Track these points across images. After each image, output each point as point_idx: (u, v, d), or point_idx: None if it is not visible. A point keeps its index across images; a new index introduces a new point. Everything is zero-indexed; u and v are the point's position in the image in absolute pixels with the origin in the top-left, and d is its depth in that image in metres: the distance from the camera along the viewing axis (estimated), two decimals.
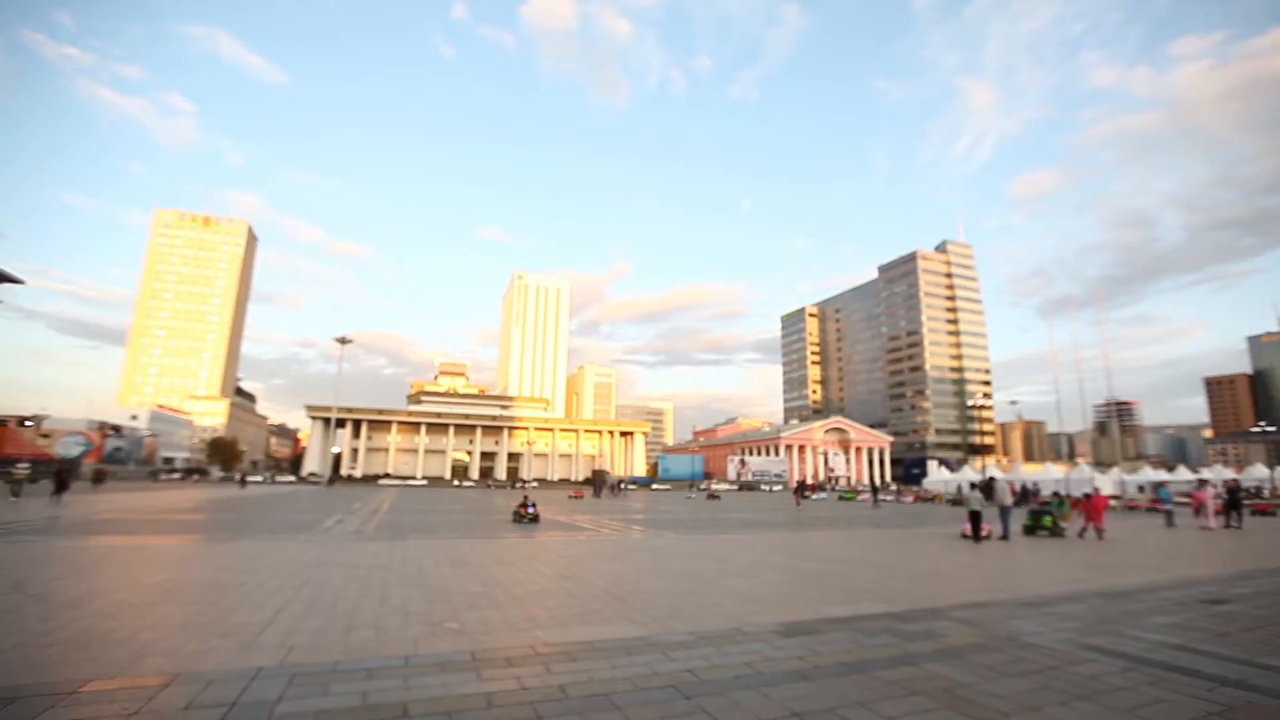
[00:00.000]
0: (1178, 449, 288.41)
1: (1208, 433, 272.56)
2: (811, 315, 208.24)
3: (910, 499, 59.07)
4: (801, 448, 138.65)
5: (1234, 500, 22.37)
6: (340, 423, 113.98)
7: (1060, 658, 5.66)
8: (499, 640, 6.07)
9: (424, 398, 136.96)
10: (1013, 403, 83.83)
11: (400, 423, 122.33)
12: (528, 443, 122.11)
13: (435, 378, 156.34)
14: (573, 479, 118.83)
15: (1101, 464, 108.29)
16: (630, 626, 6.70)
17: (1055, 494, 21.44)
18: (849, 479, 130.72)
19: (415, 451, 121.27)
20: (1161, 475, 78.35)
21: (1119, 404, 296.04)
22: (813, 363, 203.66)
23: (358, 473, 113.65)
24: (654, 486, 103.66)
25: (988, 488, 23.67)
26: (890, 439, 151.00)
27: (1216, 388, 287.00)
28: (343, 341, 72.84)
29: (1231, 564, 12.85)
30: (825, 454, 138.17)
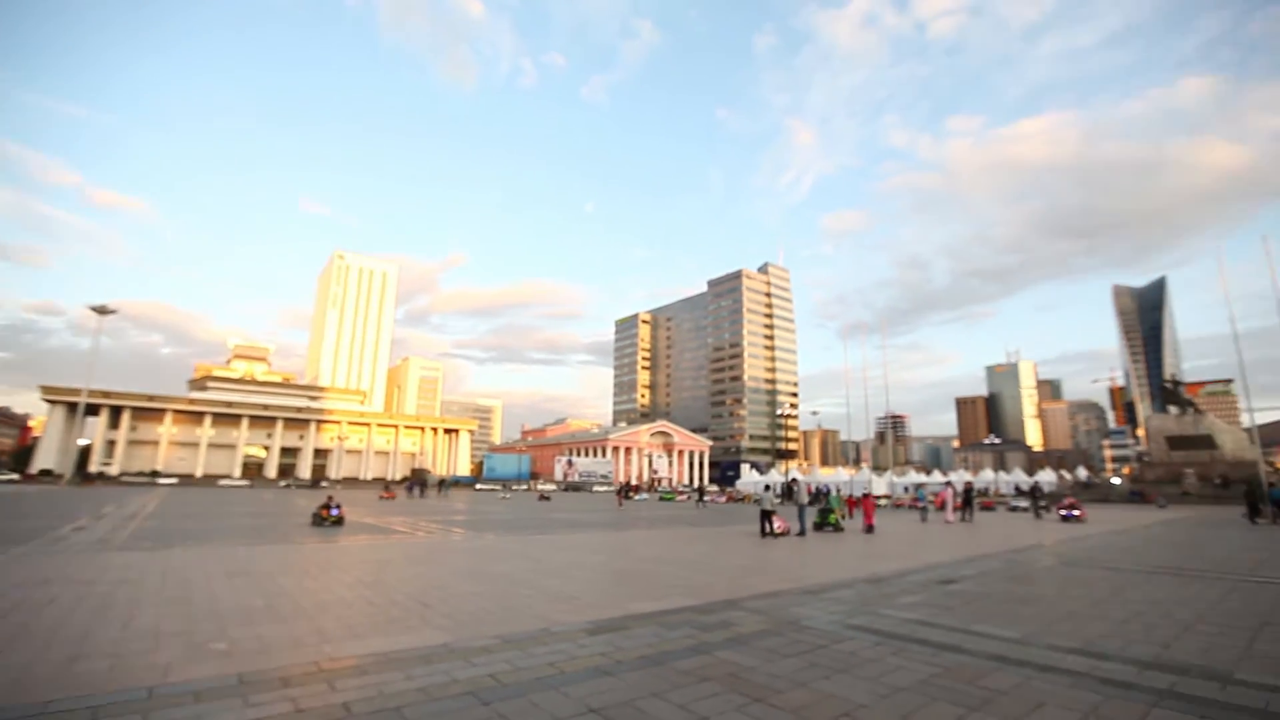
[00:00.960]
0: (934, 456, 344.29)
1: (956, 443, 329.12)
2: (644, 322, 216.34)
3: (723, 499, 63.65)
4: (628, 449, 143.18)
5: (968, 498, 27.32)
6: (93, 409, 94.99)
7: (829, 637, 6.42)
8: (277, 659, 5.41)
9: (211, 384, 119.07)
10: (814, 413, 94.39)
11: (178, 411, 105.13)
12: (338, 438, 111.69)
13: (228, 361, 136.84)
14: (391, 478, 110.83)
15: (879, 468, 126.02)
16: (433, 634, 6.37)
17: (827, 493, 24.48)
18: (670, 480, 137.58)
19: (196, 445, 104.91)
20: (921, 478, 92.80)
21: (894, 417, 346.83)
22: (643, 368, 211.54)
23: (114, 469, 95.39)
24: (478, 486, 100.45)
25: (789, 490, 26.32)
26: (710, 443, 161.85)
27: (963, 406, 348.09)
28: (102, 311, 60.95)
29: (962, 550, 15.59)
30: (650, 456, 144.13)
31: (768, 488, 19.25)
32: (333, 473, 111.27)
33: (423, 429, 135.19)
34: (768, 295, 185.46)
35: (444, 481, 65.47)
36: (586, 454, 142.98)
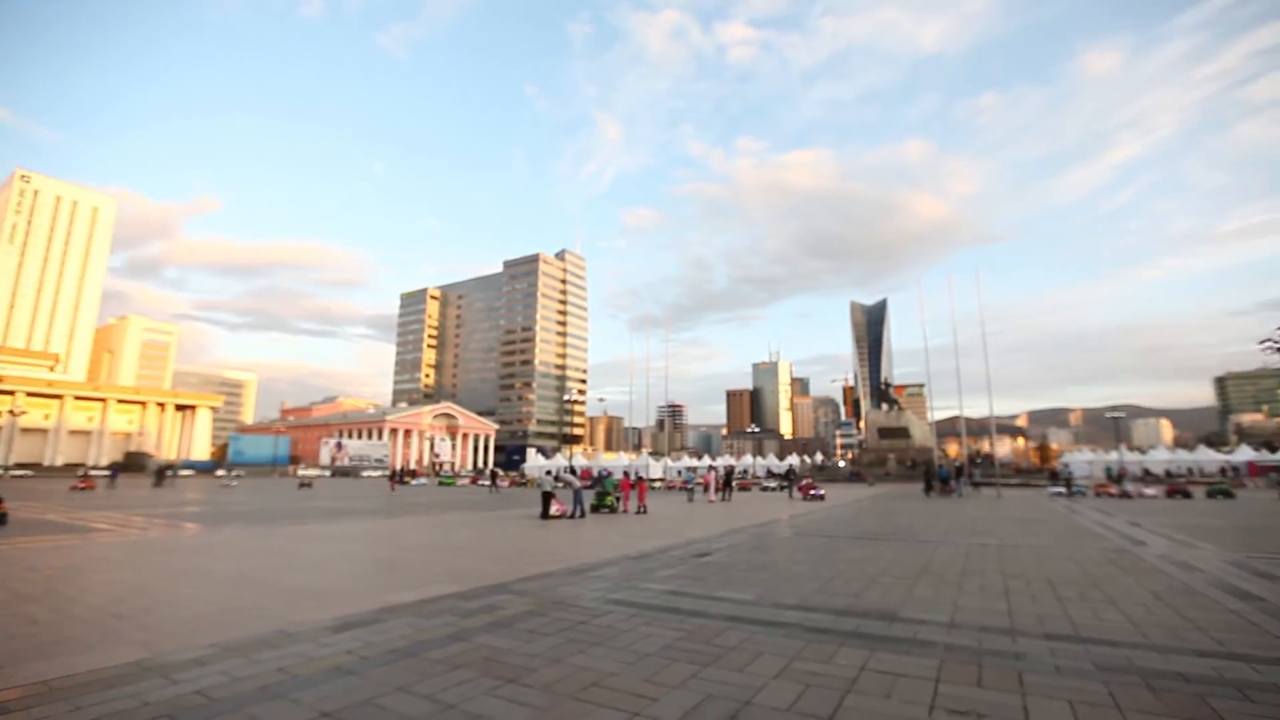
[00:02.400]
0: (707, 442, 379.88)
1: (725, 431, 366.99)
2: (433, 298, 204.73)
3: (506, 483, 63.05)
4: (408, 432, 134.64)
5: (728, 480, 30.64)
6: None
7: (589, 613, 6.65)
8: None
9: None
10: (601, 400, 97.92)
11: None
12: (12, 412, 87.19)
13: None
14: (94, 465, 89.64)
15: (657, 453, 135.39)
16: (124, 650, 5.24)
17: (606, 476, 25.55)
18: (453, 465, 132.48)
19: None
20: (693, 463, 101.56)
21: (673, 406, 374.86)
22: (429, 346, 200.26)
23: None
24: (219, 473, 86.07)
25: (571, 472, 26.91)
26: (496, 427, 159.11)
27: (732, 398, 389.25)
28: None
29: (719, 526, 17.40)
30: (433, 439, 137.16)
31: (548, 472, 19.46)
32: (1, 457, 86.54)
33: (144, 404, 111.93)
34: (563, 282, 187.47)
35: (166, 468, 54.13)
36: (360, 436, 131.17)
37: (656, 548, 12.39)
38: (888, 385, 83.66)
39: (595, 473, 46.39)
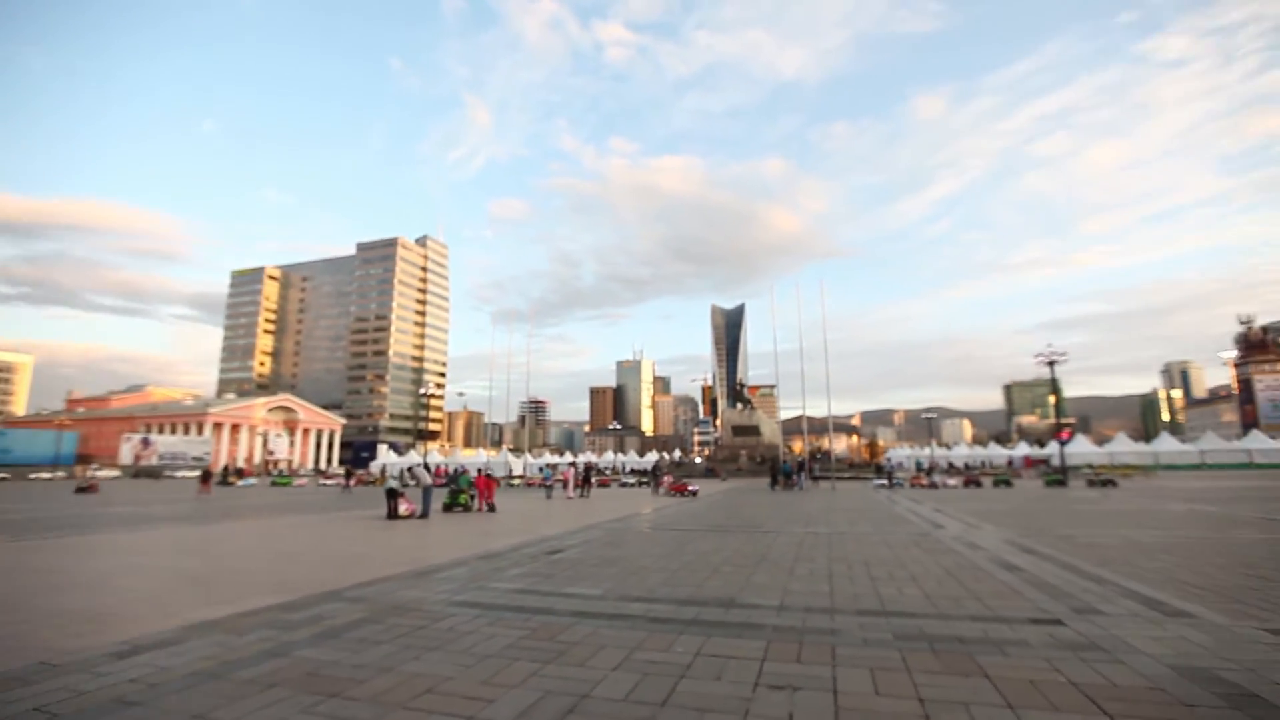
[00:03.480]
0: (569, 439, 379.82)
1: (588, 427, 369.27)
2: (272, 278, 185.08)
3: (353, 482, 58.61)
4: (237, 426, 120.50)
5: (587, 477, 30.83)
6: None
7: (430, 617, 6.34)
8: None
9: None
10: (460, 394, 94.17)
11: None
12: None
13: None
14: None
15: (518, 450, 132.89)
16: None
17: (459, 474, 24.06)
18: (290, 463, 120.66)
19: None
20: (555, 459, 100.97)
21: (536, 402, 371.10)
22: (266, 331, 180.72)
23: None
24: None
25: (426, 469, 25.45)
26: (343, 421, 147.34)
27: (596, 395, 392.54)
28: None
29: (575, 523, 17.42)
30: (267, 435, 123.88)
31: (407, 470, 18.34)
32: None
33: None
34: (424, 270, 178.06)
35: None
36: (176, 431, 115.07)
37: (509, 546, 12.13)
38: (742, 386, 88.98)
39: (450, 470, 44.55)
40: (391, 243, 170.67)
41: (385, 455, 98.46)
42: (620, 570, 9.23)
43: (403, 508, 17.72)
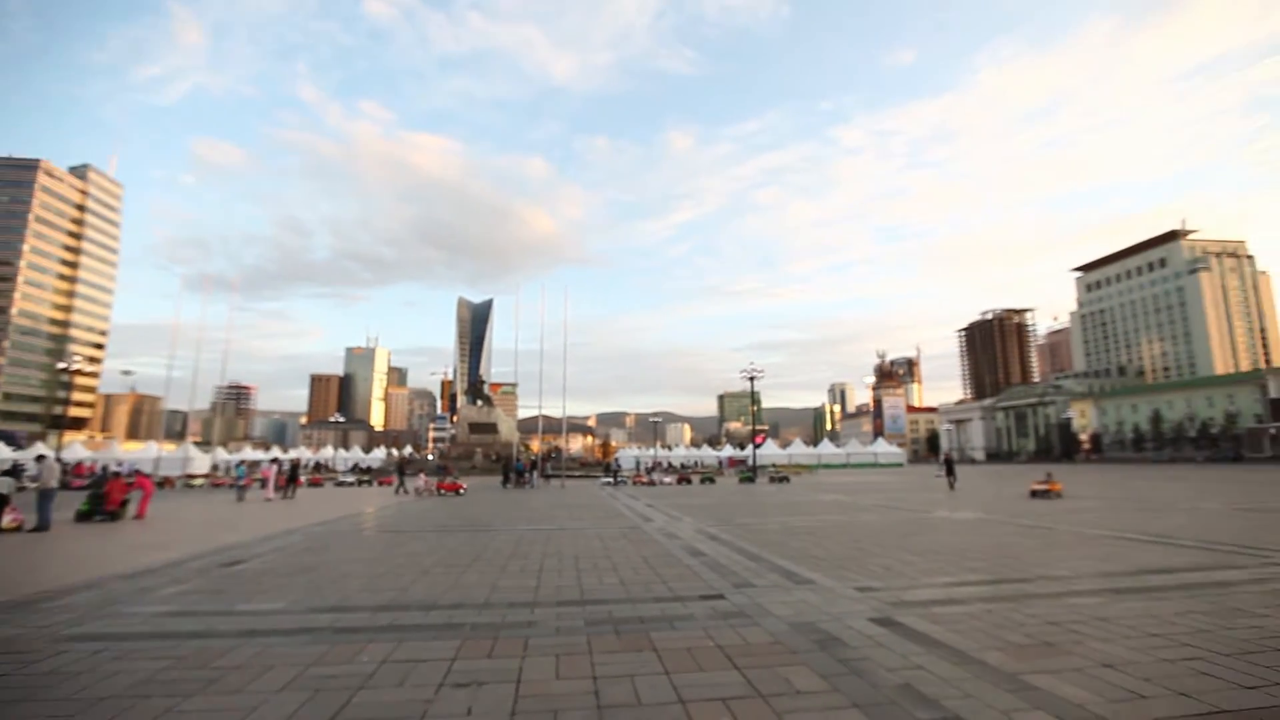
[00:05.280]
0: (279, 431, 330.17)
1: (304, 419, 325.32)
2: None
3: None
4: None
5: (293, 475, 27.12)
6: None
7: (21, 661, 4.90)
8: None
9: None
10: (126, 373, 75.46)
11: None
12: None
13: None
14: None
15: (206, 443, 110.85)
16: None
17: (116, 471, 19.54)
18: None
19: None
20: (256, 455, 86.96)
21: (238, 387, 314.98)
22: None
23: None
24: None
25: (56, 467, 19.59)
26: None
27: (318, 383, 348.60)
28: None
29: (270, 527, 15.16)
30: None
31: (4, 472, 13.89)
32: None
33: None
34: (81, 209, 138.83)
35: None
36: None
37: (169, 560, 10.03)
38: (483, 382, 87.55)
39: (100, 469, 35.23)
40: (29, 166, 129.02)
41: None
42: (314, 579, 8.29)
43: (6, 518, 13.43)
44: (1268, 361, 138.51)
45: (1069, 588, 7.24)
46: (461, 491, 30.57)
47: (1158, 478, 39.85)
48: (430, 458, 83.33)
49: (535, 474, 38.54)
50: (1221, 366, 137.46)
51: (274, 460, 30.29)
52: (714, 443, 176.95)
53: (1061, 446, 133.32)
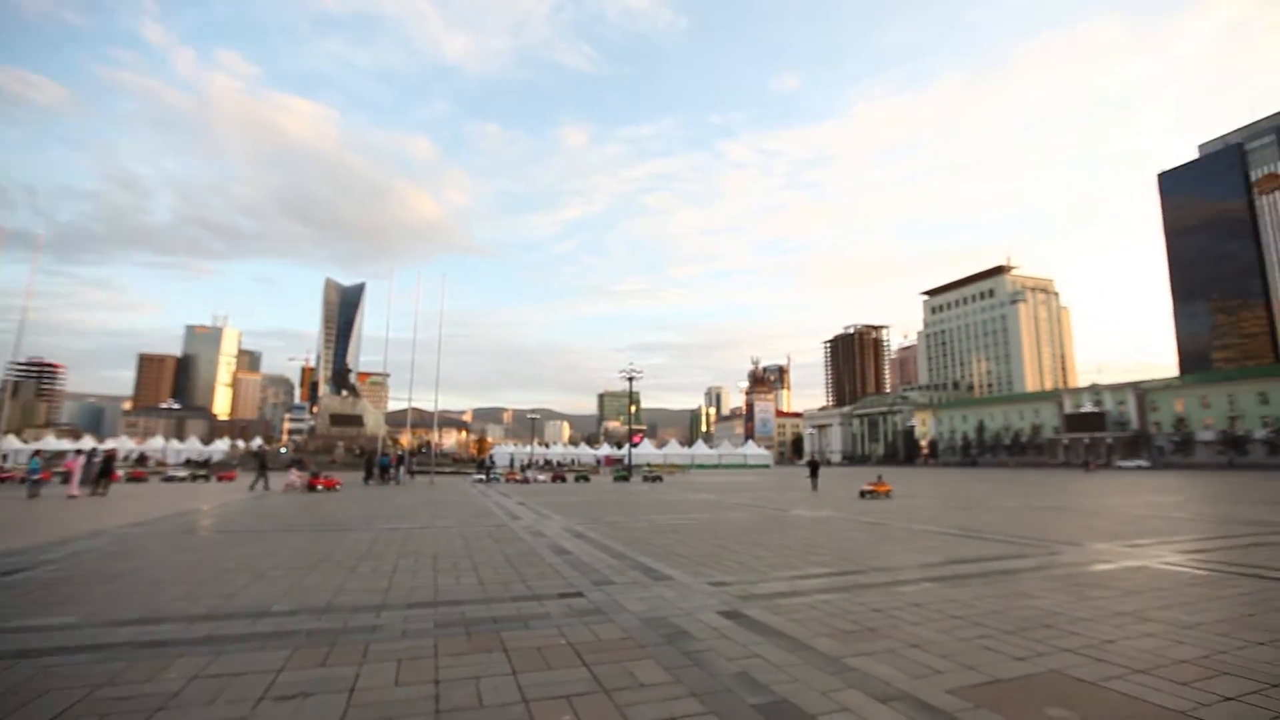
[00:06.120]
0: (96, 418, 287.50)
1: (129, 404, 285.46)
2: None
3: None
4: None
5: (106, 469, 23.65)
6: None
7: None
8: None
9: None
10: None
11: None
12: None
13: None
14: None
15: None
16: None
17: None
18: None
19: None
20: (62, 444, 75.34)
21: (40, 365, 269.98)
22: None
23: None
24: None
25: None
26: None
27: (149, 364, 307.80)
28: None
29: (65, 531, 13.12)
30: None
31: None
32: None
33: None
34: None
35: None
36: None
37: None
38: (350, 371, 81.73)
39: None
40: None
41: None
42: (118, 588, 7.28)
43: None
44: (1065, 383, 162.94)
45: (895, 578, 8.04)
46: (338, 487, 28.78)
47: (977, 479, 45.54)
48: (283, 451, 76.33)
49: (402, 470, 36.57)
50: (1032, 385, 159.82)
51: (80, 451, 26.23)
52: (592, 441, 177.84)
53: (905, 451, 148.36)
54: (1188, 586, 7.49)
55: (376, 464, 35.12)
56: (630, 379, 56.65)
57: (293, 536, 12.18)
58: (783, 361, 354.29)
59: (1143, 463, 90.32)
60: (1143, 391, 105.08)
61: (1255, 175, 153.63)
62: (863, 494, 24.23)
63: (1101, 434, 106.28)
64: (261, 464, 30.20)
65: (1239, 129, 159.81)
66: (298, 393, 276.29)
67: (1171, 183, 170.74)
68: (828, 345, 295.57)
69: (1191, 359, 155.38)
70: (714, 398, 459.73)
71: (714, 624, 5.74)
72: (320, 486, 28.19)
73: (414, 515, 17.05)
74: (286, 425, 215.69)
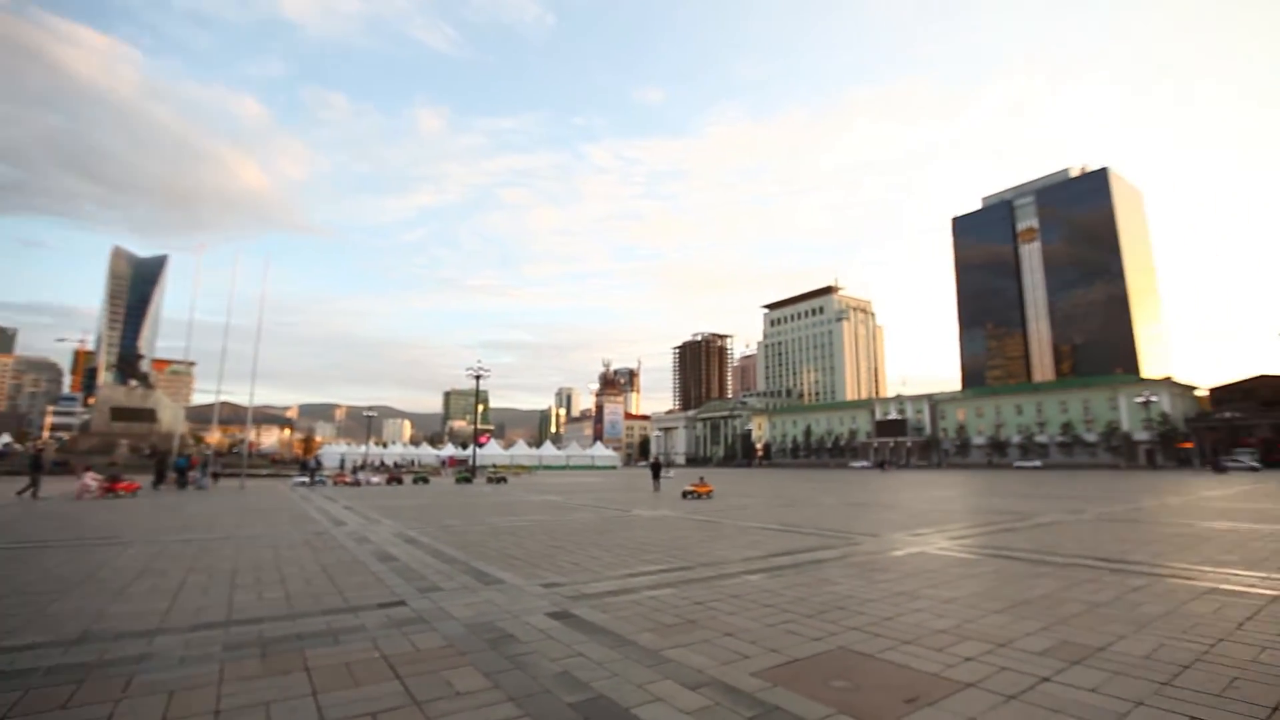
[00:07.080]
0: None
1: None
2: None
3: None
4: None
5: None
6: None
7: None
8: None
9: None
10: None
11: None
12: None
13: None
14: None
15: None
16: None
17: None
18: None
19: None
20: None
21: None
22: None
23: None
24: None
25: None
26: None
27: None
28: None
29: None
30: None
31: None
32: None
33: None
34: None
35: None
36: None
37: None
38: (141, 357, 70.21)
39: None
40: None
41: None
42: None
43: None
44: (877, 393, 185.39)
45: (719, 571, 8.54)
46: (137, 492, 25.02)
47: (802, 480, 50.10)
48: (40, 450, 63.36)
49: (204, 472, 32.09)
50: (851, 394, 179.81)
51: None
52: (435, 441, 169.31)
53: (743, 453, 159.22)
54: (951, 568, 8.81)
55: (170, 465, 30.43)
56: (478, 377, 54.74)
57: (46, 554, 10.15)
58: (634, 365, 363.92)
59: (923, 463, 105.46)
60: (935, 402, 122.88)
61: (1020, 227, 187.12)
62: (685, 494, 24.21)
63: (904, 438, 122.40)
64: (35, 465, 24.65)
65: (1010, 188, 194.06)
66: (68, 381, 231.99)
67: (961, 227, 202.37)
68: (677, 351, 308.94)
69: (972, 376, 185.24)
70: (565, 399, 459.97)
71: (541, 626, 5.69)
72: (121, 491, 24.37)
73: (213, 524, 15.00)
74: (50, 419, 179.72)
